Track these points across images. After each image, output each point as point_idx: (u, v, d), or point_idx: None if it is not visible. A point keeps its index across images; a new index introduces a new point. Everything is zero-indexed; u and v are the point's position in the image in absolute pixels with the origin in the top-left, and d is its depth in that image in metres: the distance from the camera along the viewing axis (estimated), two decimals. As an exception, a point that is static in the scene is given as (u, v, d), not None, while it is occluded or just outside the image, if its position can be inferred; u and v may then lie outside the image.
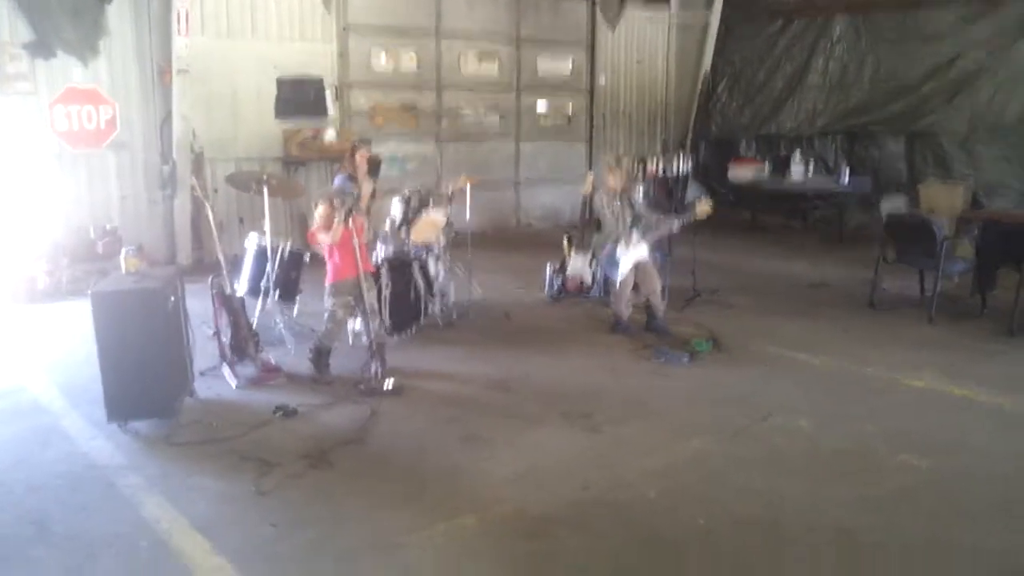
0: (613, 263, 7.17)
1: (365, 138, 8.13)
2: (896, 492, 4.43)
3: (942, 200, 11.27)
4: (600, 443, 5.03)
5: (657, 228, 7.27)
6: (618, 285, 7.20)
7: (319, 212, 6.02)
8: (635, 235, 7.14)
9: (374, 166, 7.16)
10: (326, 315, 6.09)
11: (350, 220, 5.82)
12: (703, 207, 7.21)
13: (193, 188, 9.10)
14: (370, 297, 6.01)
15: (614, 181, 7.24)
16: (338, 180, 7.60)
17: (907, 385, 6.03)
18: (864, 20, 12.93)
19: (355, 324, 6.84)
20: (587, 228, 8.43)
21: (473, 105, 13.18)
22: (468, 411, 5.51)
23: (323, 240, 5.94)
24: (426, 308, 7.18)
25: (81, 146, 9.20)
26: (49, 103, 8.96)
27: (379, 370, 5.84)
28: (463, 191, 8.18)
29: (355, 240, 5.81)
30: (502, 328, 7.56)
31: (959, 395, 5.84)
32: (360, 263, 5.84)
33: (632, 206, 7.28)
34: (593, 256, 7.93)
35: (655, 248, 7.42)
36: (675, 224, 7.22)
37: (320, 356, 6.12)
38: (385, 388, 5.73)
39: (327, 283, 6.07)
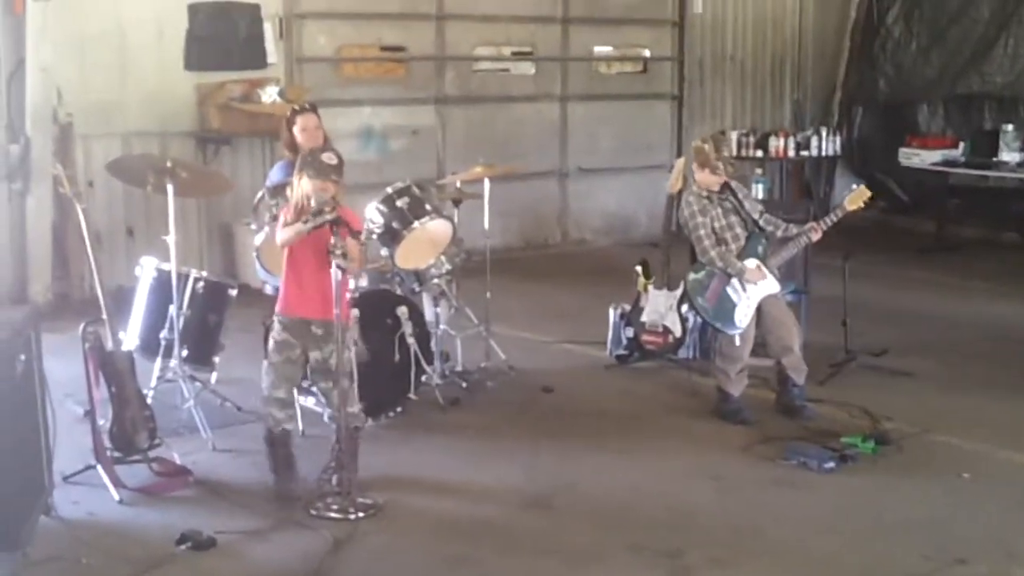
0: (726, 311, 7.18)
1: (308, 103, 8.19)
2: None
3: None
4: (693, 599, 5.06)
5: (787, 243, 7.29)
6: (737, 342, 7.21)
7: (303, 184, 5.92)
8: (754, 259, 7.17)
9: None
10: (264, 364, 6.21)
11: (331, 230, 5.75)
12: (857, 196, 7.22)
13: (57, 181, 9.22)
14: (331, 355, 6.01)
15: (707, 176, 7.25)
16: (276, 172, 7.70)
17: None
18: None
19: (306, 400, 6.93)
20: (674, 246, 8.46)
21: (495, 46, 13.28)
22: (484, 545, 5.52)
23: (277, 236, 6.03)
24: (419, 376, 7.22)
25: None
26: None
27: (345, 478, 5.89)
28: (479, 188, 8.27)
29: (333, 270, 5.76)
30: (538, 409, 7.57)
31: None
32: (330, 303, 5.81)
33: (740, 210, 7.32)
34: (685, 299, 7.94)
35: (784, 276, 7.45)
36: (814, 233, 7.23)
37: (272, 448, 6.15)
38: (353, 513, 5.75)
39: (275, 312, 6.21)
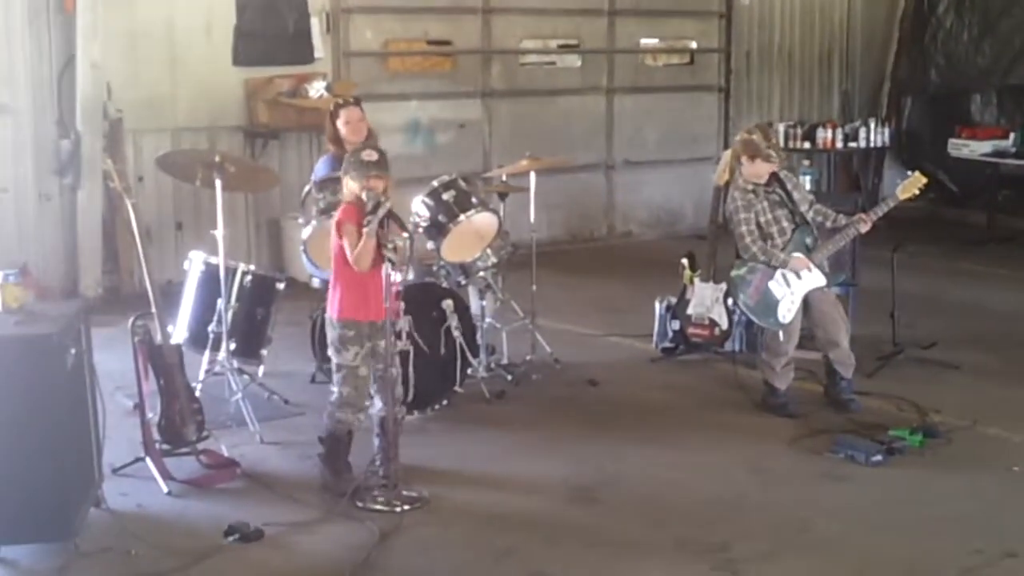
0: (769, 306, 7.14)
1: (352, 96, 8.20)
2: None
3: None
4: (739, 592, 5.04)
5: (836, 234, 7.25)
6: (781, 337, 7.20)
7: (350, 185, 5.87)
8: (799, 252, 7.13)
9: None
10: (337, 376, 6.07)
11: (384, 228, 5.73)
12: (911, 183, 7.19)
13: (107, 175, 9.30)
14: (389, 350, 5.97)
15: (757, 167, 7.18)
16: (321, 166, 7.72)
17: None
18: None
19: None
20: (720, 239, 8.44)
21: (541, 39, 13.29)
22: (530, 537, 5.54)
23: (357, 263, 5.82)
24: (464, 369, 7.24)
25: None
26: None
27: (391, 469, 5.91)
28: (525, 181, 8.28)
29: (385, 264, 5.70)
30: (583, 402, 7.59)
31: None
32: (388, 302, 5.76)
33: (789, 203, 7.26)
34: (730, 295, 7.91)
35: (833, 268, 7.41)
36: (863, 224, 7.18)
37: (337, 448, 6.11)
38: (399, 505, 5.79)
39: (334, 318, 6.02)
